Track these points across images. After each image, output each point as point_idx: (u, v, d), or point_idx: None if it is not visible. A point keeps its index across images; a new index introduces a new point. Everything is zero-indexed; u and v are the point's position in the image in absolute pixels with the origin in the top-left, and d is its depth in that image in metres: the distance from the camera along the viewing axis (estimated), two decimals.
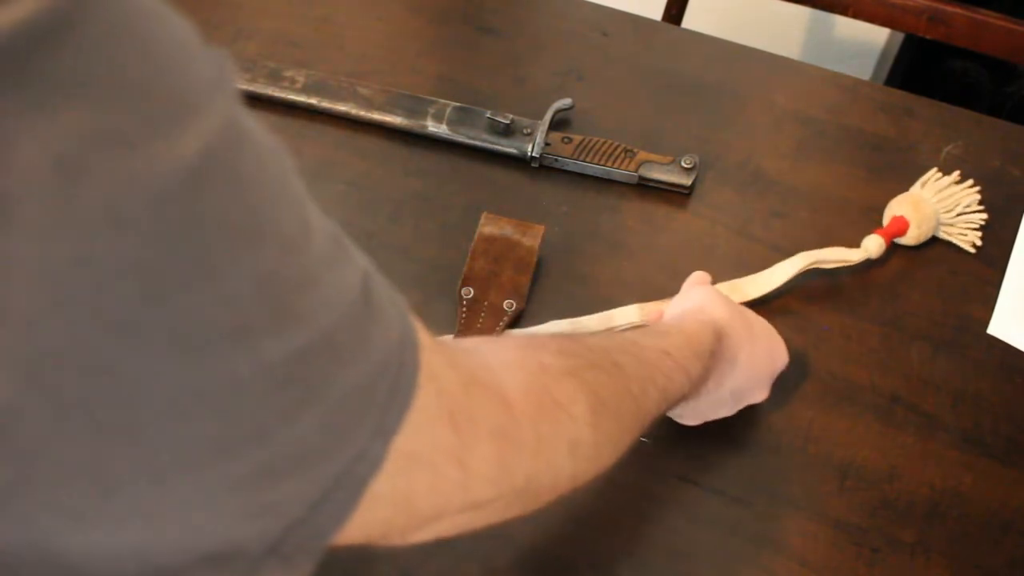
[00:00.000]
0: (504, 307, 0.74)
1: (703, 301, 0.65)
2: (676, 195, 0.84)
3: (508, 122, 0.85)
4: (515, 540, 0.64)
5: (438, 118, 0.86)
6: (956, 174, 0.83)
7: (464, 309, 0.74)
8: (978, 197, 0.83)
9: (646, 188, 0.84)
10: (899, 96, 0.94)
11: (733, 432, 0.69)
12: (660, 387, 0.54)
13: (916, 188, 0.82)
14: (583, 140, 0.85)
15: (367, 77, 0.90)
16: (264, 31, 0.94)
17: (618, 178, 0.84)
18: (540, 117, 0.86)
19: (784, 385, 0.72)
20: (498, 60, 0.94)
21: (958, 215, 0.82)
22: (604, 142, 0.85)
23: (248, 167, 0.29)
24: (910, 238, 0.80)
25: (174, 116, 0.27)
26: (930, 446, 0.70)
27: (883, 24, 1.14)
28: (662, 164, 0.84)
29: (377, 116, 0.87)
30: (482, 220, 0.79)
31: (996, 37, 1.09)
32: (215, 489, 0.29)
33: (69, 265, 0.25)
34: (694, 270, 0.78)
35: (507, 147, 0.85)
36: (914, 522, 0.66)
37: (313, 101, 0.87)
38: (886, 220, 0.81)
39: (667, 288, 0.77)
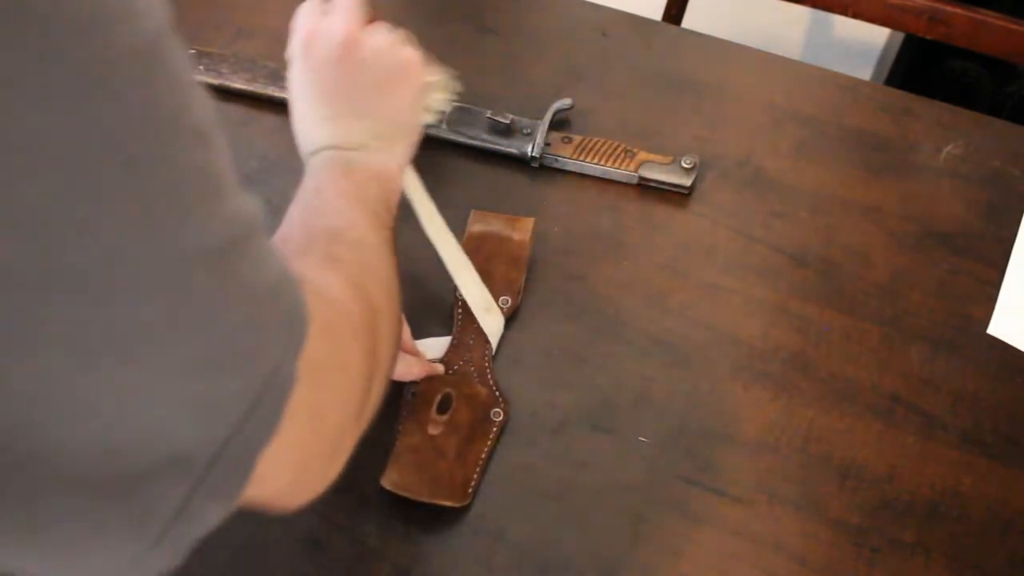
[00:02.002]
0: (499, 304, 0.74)
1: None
2: (676, 195, 0.84)
3: (508, 122, 0.85)
4: (515, 540, 0.64)
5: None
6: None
7: (459, 311, 0.74)
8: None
9: (646, 188, 0.84)
10: (899, 96, 0.94)
11: (733, 432, 0.70)
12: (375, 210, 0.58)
13: None
14: (583, 140, 0.85)
15: None
16: (264, 31, 0.94)
17: (618, 178, 0.84)
18: (540, 117, 0.86)
19: (784, 385, 0.72)
20: (498, 60, 0.94)
21: None
22: (604, 142, 0.85)
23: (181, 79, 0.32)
24: None
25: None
26: (930, 446, 0.70)
27: (883, 24, 1.14)
28: (662, 164, 0.84)
29: None
30: (471, 218, 0.78)
31: (996, 37, 1.09)
32: (170, 372, 0.32)
33: (58, 132, 0.27)
34: (694, 270, 0.79)
35: (507, 147, 0.85)
36: (914, 522, 0.66)
37: None
38: None
39: (667, 288, 0.77)
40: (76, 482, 0.31)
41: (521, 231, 0.77)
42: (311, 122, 0.64)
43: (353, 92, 0.64)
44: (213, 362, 0.34)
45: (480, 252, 0.76)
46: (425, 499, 0.64)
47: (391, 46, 0.66)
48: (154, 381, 0.32)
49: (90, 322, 0.29)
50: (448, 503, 0.64)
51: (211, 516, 0.36)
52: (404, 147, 0.66)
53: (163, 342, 0.31)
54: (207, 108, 0.34)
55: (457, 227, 0.79)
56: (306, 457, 0.42)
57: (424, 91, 0.68)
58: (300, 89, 0.65)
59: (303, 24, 0.66)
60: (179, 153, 0.31)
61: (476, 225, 0.78)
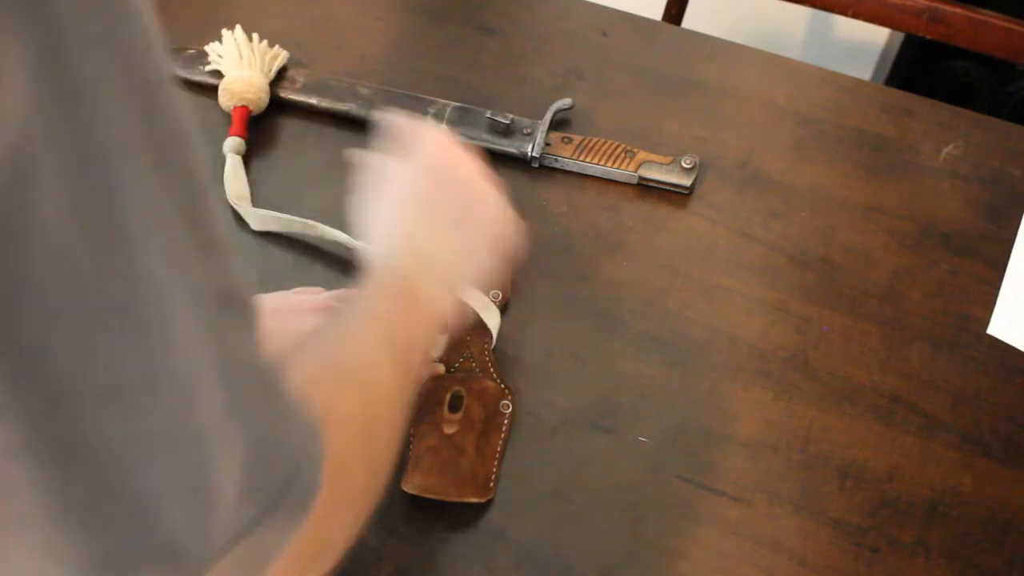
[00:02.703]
0: (490, 299, 0.74)
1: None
2: (676, 195, 0.84)
3: (508, 122, 0.85)
4: (515, 540, 0.64)
5: (438, 118, 0.86)
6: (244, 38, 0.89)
7: None
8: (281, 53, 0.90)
9: (646, 188, 0.84)
10: (899, 96, 0.94)
11: (733, 432, 0.70)
12: (398, 358, 0.53)
13: (233, 71, 0.86)
14: (583, 140, 0.85)
15: (367, 77, 0.90)
16: (264, 31, 0.94)
17: (618, 178, 0.84)
18: (540, 117, 0.86)
19: (784, 385, 0.72)
20: (498, 60, 0.94)
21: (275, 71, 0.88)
22: (604, 142, 0.85)
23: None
24: (257, 111, 0.86)
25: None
26: (930, 446, 0.70)
27: (883, 24, 1.14)
28: (662, 164, 0.84)
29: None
30: None
31: (996, 37, 1.09)
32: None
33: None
34: (694, 270, 0.79)
35: (507, 147, 0.85)
36: (914, 522, 0.66)
37: (313, 101, 0.87)
38: (232, 117, 0.85)
39: (667, 288, 0.77)
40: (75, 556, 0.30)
41: None
42: (395, 222, 0.61)
43: (446, 207, 0.62)
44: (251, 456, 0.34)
45: None
46: (452, 498, 0.64)
47: (481, 175, 0.65)
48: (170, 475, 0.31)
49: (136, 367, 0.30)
50: (474, 499, 0.64)
51: None
52: (458, 290, 0.63)
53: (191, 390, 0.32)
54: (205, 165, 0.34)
55: None
56: (316, 552, 0.43)
57: (499, 240, 0.64)
58: (397, 186, 0.62)
59: (434, 134, 0.65)
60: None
61: None
